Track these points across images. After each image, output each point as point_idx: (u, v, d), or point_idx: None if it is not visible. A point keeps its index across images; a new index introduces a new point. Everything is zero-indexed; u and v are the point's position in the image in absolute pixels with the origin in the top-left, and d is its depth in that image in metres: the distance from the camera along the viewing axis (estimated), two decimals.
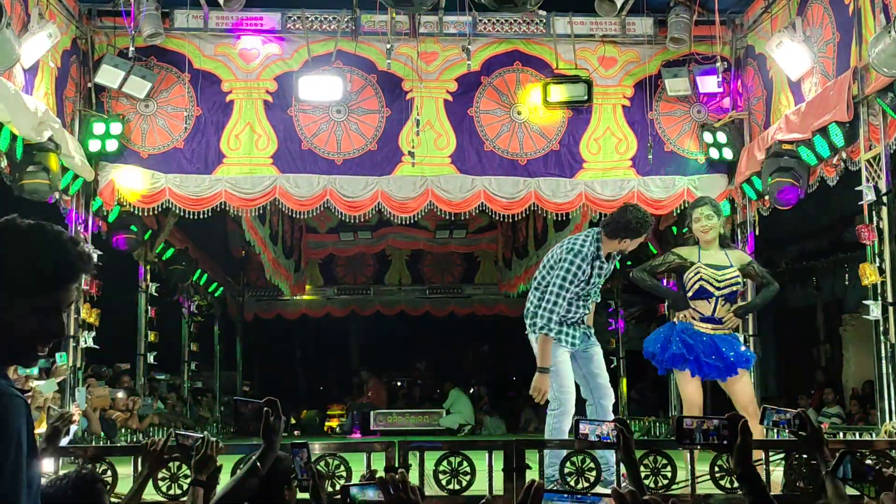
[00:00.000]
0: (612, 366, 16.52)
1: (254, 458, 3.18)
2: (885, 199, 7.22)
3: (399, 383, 20.36)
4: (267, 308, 18.83)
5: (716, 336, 6.59)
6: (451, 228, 16.87)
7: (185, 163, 9.79)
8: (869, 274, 7.17)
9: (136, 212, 9.95)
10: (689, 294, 6.64)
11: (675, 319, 6.86)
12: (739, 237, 9.91)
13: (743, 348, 6.78)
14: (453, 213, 10.36)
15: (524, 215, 10.47)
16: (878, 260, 7.21)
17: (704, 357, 6.52)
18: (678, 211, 10.16)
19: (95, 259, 8.47)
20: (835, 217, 12.52)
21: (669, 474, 5.40)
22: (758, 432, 6.68)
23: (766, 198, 9.13)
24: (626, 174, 9.96)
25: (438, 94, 9.98)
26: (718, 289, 6.61)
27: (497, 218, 10.65)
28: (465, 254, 18.38)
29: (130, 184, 9.66)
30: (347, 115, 9.88)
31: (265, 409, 3.19)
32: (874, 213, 7.27)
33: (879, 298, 7.15)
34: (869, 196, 7.28)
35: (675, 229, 11.38)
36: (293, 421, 16.42)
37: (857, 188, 7.50)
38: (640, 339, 18.09)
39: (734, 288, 6.68)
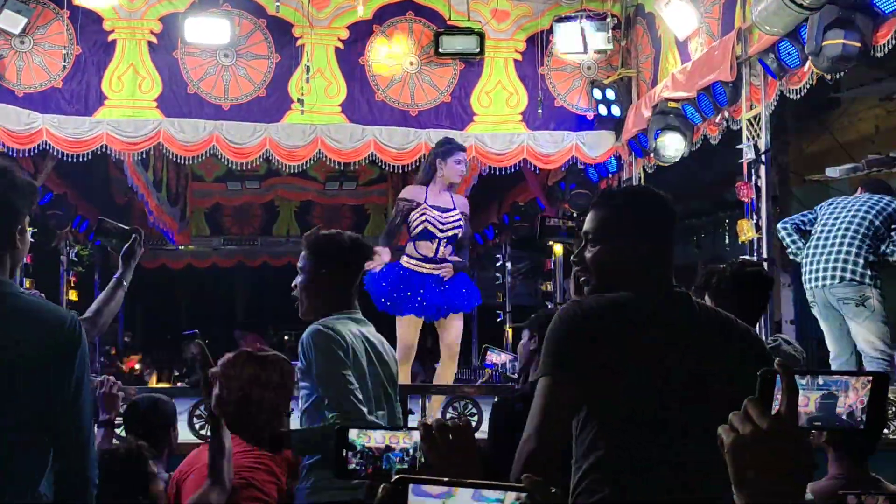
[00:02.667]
0: (499, 320, 16.81)
1: (116, 275, 4.01)
2: (763, 157, 7.44)
3: (287, 336, 20.20)
4: (151, 257, 18.36)
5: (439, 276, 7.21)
6: (342, 180, 16.72)
7: (63, 103, 9.40)
8: (746, 230, 7.40)
9: (10, 153, 9.52)
10: (414, 234, 7.03)
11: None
12: None
13: (465, 290, 7.38)
14: (343, 164, 10.29)
15: (415, 167, 10.43)
16: (755, 217, 7.44)
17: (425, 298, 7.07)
18: (566, 166, 10.31)
19: None
20: (717, 176, 12.86)
21: None
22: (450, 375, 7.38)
23: (652, 155, 9.31)
24: (516, 128, 10.01)
25: (329, 41, 9.81)
26: (442, 231, 7.17)
27: (388, 170, 10.59)
28: (355, 206, 18.25)
29: (3, 123, 9.24)
30: (236, 59, 9.64)
31: (132, 234, 3.97)
32: (753, 171, 7.49)
33: (755, 255, 7.39)
34: (749, 154, 7.49)
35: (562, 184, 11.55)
36: (176, 373, 16.16)
37: (738, 146, 7.71)
38: (527, 294, 18.45)
39: (456, 231, 7.28)
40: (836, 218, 6.87)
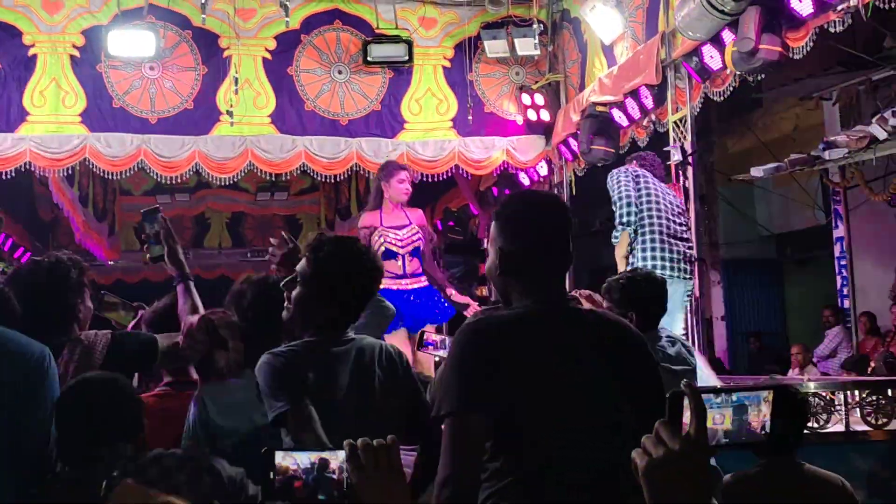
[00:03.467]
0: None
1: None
2: (690, 159, 7.57)
3: None
4: None
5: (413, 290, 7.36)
6: (273, 190, 16.59)
7: None
8: None
9: None
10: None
11: None
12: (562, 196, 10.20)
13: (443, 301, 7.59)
14: (274, 175, 10.20)
15: (346, 176, 10.42)
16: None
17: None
18: (498, 172, 10.39)
19: None
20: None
21: None
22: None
23: (581, 158, 9.41)
24: (446, 135, 10.04)
25: (257, 51, 9.74)
26: (402, 247, 7.38)
27: (319, 179, 10.55)
28: (288, 216, 18.10)
29: None
30: (161, 72, 9.51)
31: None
32: (680, 172, 7.62)
33: None
34: (675, 156, 7.62)
35: (494, 189, 11.63)
36: None
37: (664, 149, 7.83)
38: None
39: (417, 244, 7.45)
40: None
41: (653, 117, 8.29)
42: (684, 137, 7.65)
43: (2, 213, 13.17)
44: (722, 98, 7.33)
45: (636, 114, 8.38)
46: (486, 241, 12.94)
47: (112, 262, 17.63)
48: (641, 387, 2.40)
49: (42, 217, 15.14)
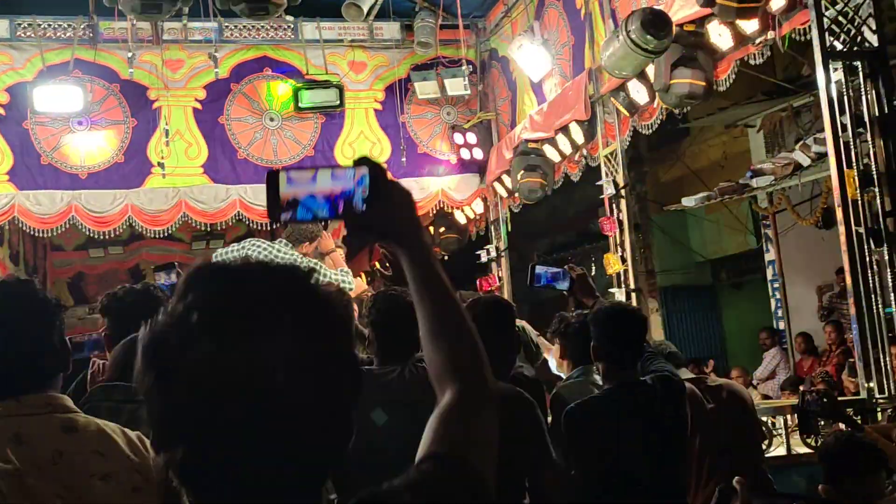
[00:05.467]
0: None
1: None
2: (622, 192, 7.69)
3: None
4: None
5: None
6: (208, 239, 16.37)
7: None
8: (612, 263, 7.63)
9: None
10: None
11: None
12: (493, 235, 10.29)
13: None
14: (209, 224, 10.11)
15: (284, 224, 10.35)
16: (619, 249, 7.68)
17: None
18: (433, 213, 10.44)
19: None
20: (580, 209, 13.23)
21: None
22: None
23: (516, 195, 9.50)
24: None
25: (187, 102, 9.69)
26: None
27: (255, 226, 10.47)
28: None
29: None
30: (90, 126, 9.39)
31: None
32: (614, 205, 7.73)
33: (623, 286, 7.62)
34: (609, 190, 7.74)
35: (431, 229, 11.65)
36: None
37: (597, 183, 7.95)
38: None
39: None
40: None
41: (584, 152, 8.41)
42: (616, 171, 7.77)
43: None
44: (650, 131, 7.48)
45: (567, 149, 8.49)
46: None
47: None
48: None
49: None
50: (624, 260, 7.60)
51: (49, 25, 9.32)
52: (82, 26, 9.31)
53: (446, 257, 12.27)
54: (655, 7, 6.07)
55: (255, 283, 1.21)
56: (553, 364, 4.94)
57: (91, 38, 9.34)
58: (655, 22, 5.86)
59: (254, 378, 1.13)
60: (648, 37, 5.84)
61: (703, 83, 6.49)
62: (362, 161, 1.40)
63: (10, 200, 9.16)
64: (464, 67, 9.75)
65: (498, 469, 1.40)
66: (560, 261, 15.49)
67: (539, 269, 3.91)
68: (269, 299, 1.18)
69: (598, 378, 3.95)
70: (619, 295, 7.56)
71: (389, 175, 1.41)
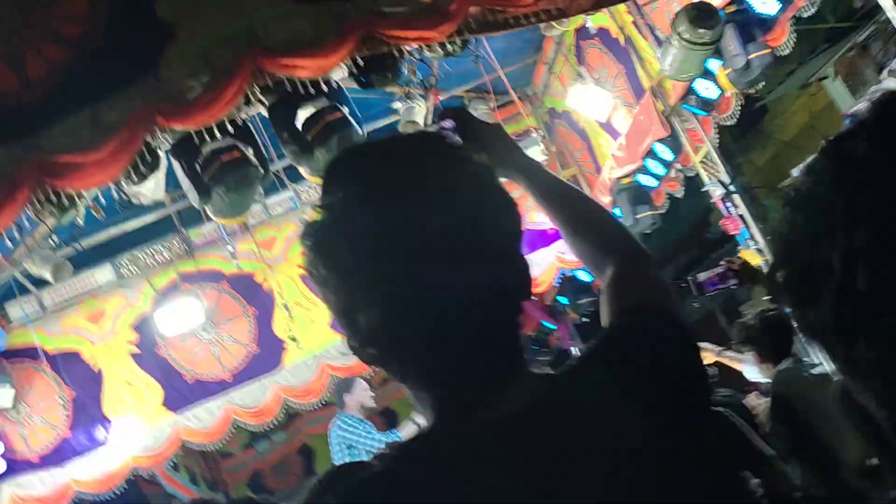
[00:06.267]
0: None
1: None
2: (731, 186, 7.53)
3: None
4: None
5: None
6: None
7: (79, 448, 9.34)
8: (751, 258, 7.40)
9: None
10: None
11: None
12: None
13: None
14: None
15: None
16: (750, 244, 7.46)
17: None
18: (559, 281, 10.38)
19: None
20: (692, 223, 13.01)
21: None
22: None
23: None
24: None
25: (292, 273, 9.89)
26: None
27: None
28: (383, 408, 18.04)
29: (31, 492, 9.15)
30: (216, 330, 9.68)
31: None
32: (729, 204, 7.55)
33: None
34: (717, 191, 7.58)
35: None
36: None
37: (702, 189, 7.81)
38: None
39: None
40: None
41: (678, 167, 8.29)
42: (717, 171, 7.62)
43: None
44: (734, 121, 7.33)
45: (661, 170, 8.39)
46: (571, 349, 12.82)
47: None
48: None
49: None
50: (760, 251, 7.37)
51: (145, 255, 9.71)
52: (175, 241, 9.68)
53: (584, 320, 12.15)
54: (696, 0, 6.03)
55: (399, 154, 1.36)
56: (752, 372, 4.83)
57: (187, 251, 9.70)
58: (702, 15, 5.84)
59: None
60: (701, 30, 5.81)
61: (767, 51, 6.38)
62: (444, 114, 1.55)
63: (173, 426, 9.42)
64: (534, 135, 9.76)
65: None
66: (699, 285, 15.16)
67: (700, 276, 3.88)
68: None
69: (811, 361, 3.90)
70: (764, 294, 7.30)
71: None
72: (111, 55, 4.57)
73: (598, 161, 9.69)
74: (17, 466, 9.22)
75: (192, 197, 6.06)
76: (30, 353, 9.43)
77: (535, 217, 9.95)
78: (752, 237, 7.44)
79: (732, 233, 7.61)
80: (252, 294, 9.79)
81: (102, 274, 9.58)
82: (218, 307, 9.74)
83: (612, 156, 8.99)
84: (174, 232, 9.60)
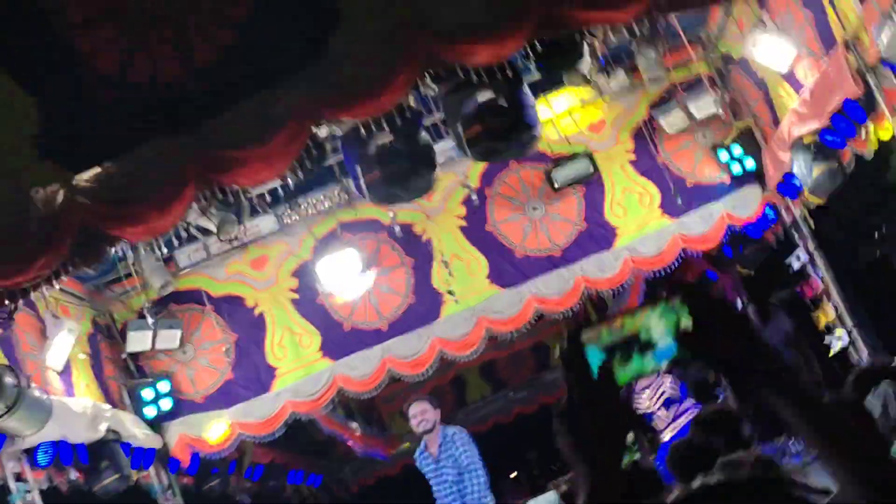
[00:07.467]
0: None
1: None
2: None
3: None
4: (367, 473, 18.44)
5: None
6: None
7: (241, 391, 9.57)
8: None
9: (216, 456, 9.70)
10: None
11: None
12: (798, 237, 9.61)
13: None
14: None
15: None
16: None
17: None
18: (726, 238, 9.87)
19: None
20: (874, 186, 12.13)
21: None
22: None
23: (807, 192, 8.77)
24: (660, 223, 9.65)
25: (451, 224, 9.76)
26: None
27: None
28: (533, 345, 17.96)
29: (200, 432, 9.46)
30: (375, 279, 9.63)
31: None
32: None
33: None
34: None
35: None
36: None
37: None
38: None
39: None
40: None
41: (870, 127, 7.61)
42: None
43: (288, 453, 13.60)
44: None
45: (850, 131, 7.73)
46: (738, 300, 12.27)
47: (393, 452, 17.94)
48: None
49: (318, 439, 15.60)
50: None
51: (309, 203, 9.67)
52: (337, 192, 9.60)
53: (752, 273, 11.58)
54: None
55: None
56: None
57: (347, 200, 9.62)
58: None
59: None
60: None
61: None
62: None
63: (331, 374, 9.52)
64: (704, 84, 9.19)
65: None
66: (866, 229, 14.23)
67: None
68: None
69: None
70: None
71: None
72: (277, 40, 4.38)
73: (776, 113, 9.05)
74: (183, 406, 9.53)
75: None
76: (196, 298, 9.66)
77: (706, 171, 9.48)
78: None
79: None
80: (411, 245, 9.70)
81: (266, 223, 9.63)
82: (377, 256, 9.69)
83: (794, 111, 8.36)
84: (335, 182, 9.53)
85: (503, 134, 5.53)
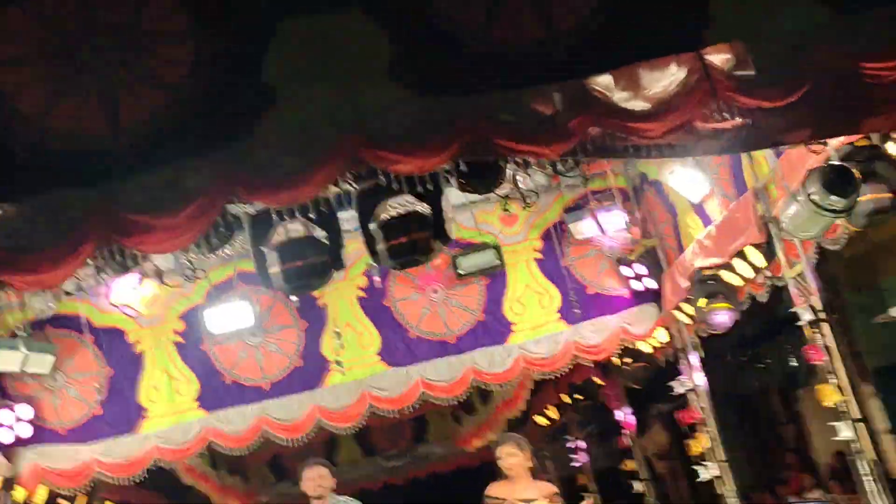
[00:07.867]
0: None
1: None
2: (820, 314, 7.09)
3: None
4: None
5: None
6: None
7: (106, 428, 9.25)
8: (829, 395, 6.98)
9: (67, 491, 9.32)
10: None
11: None
12: (685, 363, 9.81)
13: None
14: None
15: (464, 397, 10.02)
16: (833, 379, 7.02)
17: None
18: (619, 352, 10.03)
19: None
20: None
21: None
22: None
23: (703, 323, 8.97)
24: (556, 327, 9.75)
25: (350, 293, 9.70)
26: None
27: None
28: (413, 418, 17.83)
29: (52, 464, 9.08)
30: (264, 336, 9.49)
31: None
32: (816, 331, 7.12)
33: (842, 418, 6.93)
34: (806, 316, 7.14)
35: (618, 361, 11.13)
36: None
37: (790, 310, 7.38)
38: (605, 456, 17.80)
39: None
40: None
41: (767, 273, 7.87)
42: (810, 293, 7.17)
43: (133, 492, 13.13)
44: (838, 246, 6.84)
45: (749, 272, 8.00)
46: (616, 411, 12.46)
47: None
48: None
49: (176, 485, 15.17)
50: (841, 389, 6.93)
51: None
52: (239, 239, 9.42)
53: (637, 387, 11.79)
54: (835, 163, 5.54)
55: None
56: None
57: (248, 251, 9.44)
58: (838, 181, 5.37)
59: None
60: (834, 197, 5.37)
61: (890, 194, 5.94)
62: None
63: (203, 425, 9.30)
64: (617, 202, 9.36)
65: None
66: (752, 357, 14.65)
67: None
68: None
69: None
70: (846, 430, 6.86)
71: None
72: (207, 111, 4.29)
73: (681, 240, 9.28)
74: (43, 435, 9.16)
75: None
76: (75, 325, 9.33)
77: (607, 282, 9.62)
78: (833, 371, 7.00)
79: (814, 362, 7.17)
80: (306, 308, 9.58)
81: (162, 259, 9.37)
82: (270, 313, 9.55)
83: (699, 242, 8.58)
84: (240, 230, 9.36)
85: (425, 247, 5.53)
